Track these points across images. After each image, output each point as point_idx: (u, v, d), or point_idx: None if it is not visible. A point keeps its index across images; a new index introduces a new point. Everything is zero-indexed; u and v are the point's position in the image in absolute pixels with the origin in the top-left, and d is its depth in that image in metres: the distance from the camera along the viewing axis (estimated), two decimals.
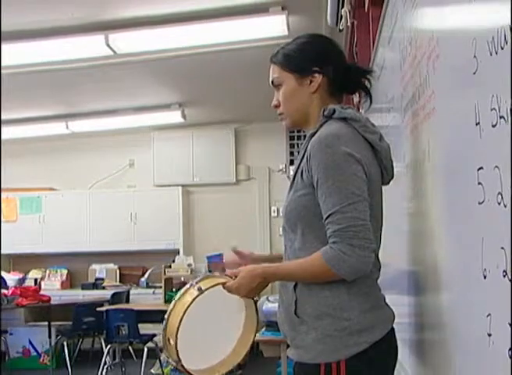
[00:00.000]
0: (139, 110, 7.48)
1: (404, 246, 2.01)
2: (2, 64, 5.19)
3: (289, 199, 1.73)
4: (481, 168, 1.05)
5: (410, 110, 1.79)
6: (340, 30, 3.75)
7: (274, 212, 8.37)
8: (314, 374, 1.63)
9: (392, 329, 1.69)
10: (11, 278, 8.04)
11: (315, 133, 1.70)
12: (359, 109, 3.59)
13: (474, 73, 1.07)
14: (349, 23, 3.29)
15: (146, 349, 6.26)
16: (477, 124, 1.06)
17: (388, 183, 1.81)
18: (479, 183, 1.06)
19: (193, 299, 1.74)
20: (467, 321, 1.17)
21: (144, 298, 7.90)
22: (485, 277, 1.03)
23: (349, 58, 3.85)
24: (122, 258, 8.53)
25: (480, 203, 1.05)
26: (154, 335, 6.41)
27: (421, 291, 1.74)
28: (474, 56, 1.07)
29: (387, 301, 1.75)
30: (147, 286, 8.15)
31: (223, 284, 1.76)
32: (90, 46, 4.96)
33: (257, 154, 8.53)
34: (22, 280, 8.24)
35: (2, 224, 8.35)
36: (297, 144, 8.17)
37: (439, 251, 1.46)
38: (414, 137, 1.79)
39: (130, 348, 6.92)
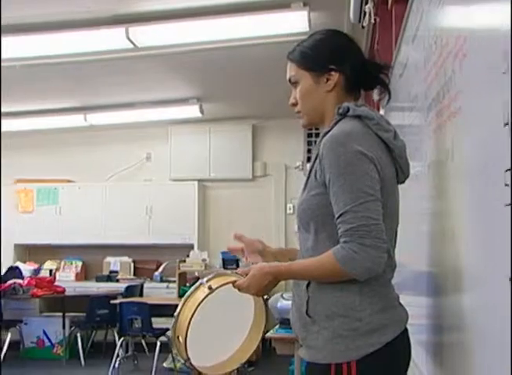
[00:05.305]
0: (157, 104, 7.49)
1: (424, 247, 1.98)
2: (22, 56, 5.23)
3: (302, 198, 1.72)
4: (509, 169, 1.03)
5: (434, 109, 1.77)
6: (363, 27, 3.72)
7: (289, 209, 8.35)
8: (325, 374, 1.62)
9: (406, 329, 1.68)
10: (26, 269, 8.11)
11: (329, 131, 1.69)
12: (378, 108, 3.57)
13: (504, 73, 1.05)
14: (372, 20, 3.26)
15: (159, 343, 6.28)
16: (505, 125, 1.04)
17: (403, 182, 1.79)
18: (506, 185, 1.04)
19: (204, 298, 1.74)
20: (491, 324, 1.15)
21: (157, 292, 7.92)
22: (510, 280, 1.01)
23: (370, 56, 3.82)
24: (137, 251, 8.56)
25: (507, 205, 1.03)
26: (167, 329, 6.41)
27: (441, 293, 1.72)
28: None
29: (403, 301, 1.74)
30: (161, 280, 8.16)
31: (233, 283, 1.76)
32: (110, 39, 4.96)
33: (274, 150, 8.51)
34: (37, 271, 8.31)
35: (20, 215, 8.47)
36: (315, 142, 8.11)
37: (461, 253, 1.44)
38: (437, 137, 1.76)
39: (143, 341, 6.94)
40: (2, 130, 7.93)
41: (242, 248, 2.00)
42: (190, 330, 1.72)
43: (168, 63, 5.84)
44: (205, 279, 1.82)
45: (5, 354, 6.82)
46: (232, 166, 8.48)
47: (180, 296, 7.02)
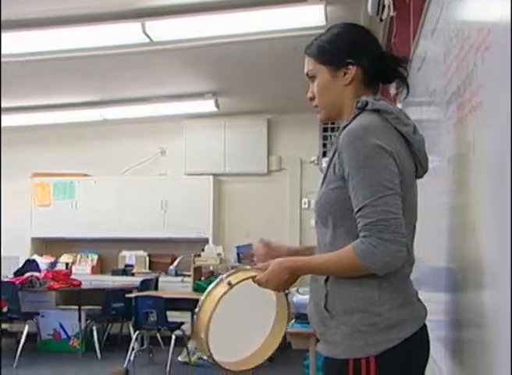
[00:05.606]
0: (172, 98, 7.49)
1: (443, 241, 1.96)
2: (39, 50, 5.25)
3: (321, 193, 1.72)
4: None
5: (455, 103, 1.75)
6: (381, 20, 3.70)
7: (305, 203, 8.33)
8: (343, 370, 1.62)
9: (424, 325, 1.67)
10: (43, 262, 8.17)
11: (347, 125, 1.68)
12: (395, 102, 3.55)
13: None
14: (391, 13, 3.24)
15: (174, 337, 6.30)
16: None
17: (422, 176, 1.78)
18: None
19: (223, 294, 1.74)
20: None
21: (172, 286, 7.94)
22: None
23: (387, 50, 3.79)
24: (152, 245, 8.58)
25: None
26: (182, 323, 6.45)
27: (461, 288, 1.70)
28: None
29: (422, 297, 1.72)
30: (176, 274, 8.18)
31: (253, 278, 1.75)
32: (127, 33, 4.96)
33: (290, 145, 8.48)
34: (53, 264, 8.36)
35: (37, 209, 8.54)
36: (330, 136, 8.11)
37: (482, 246, 1.42)
38: (457, 130, 1.74)
39: (158, 334, 6.97)
40: (19, 124, 8.01)
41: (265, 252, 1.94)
42: (210, 325, 1.72)
43: (183, 57, 5.84)
44: (225, 275, 1.81)
45: (23, 346, 6.88)
46: (247, 160, 8.46)
47: (195, 290, 7.04)
